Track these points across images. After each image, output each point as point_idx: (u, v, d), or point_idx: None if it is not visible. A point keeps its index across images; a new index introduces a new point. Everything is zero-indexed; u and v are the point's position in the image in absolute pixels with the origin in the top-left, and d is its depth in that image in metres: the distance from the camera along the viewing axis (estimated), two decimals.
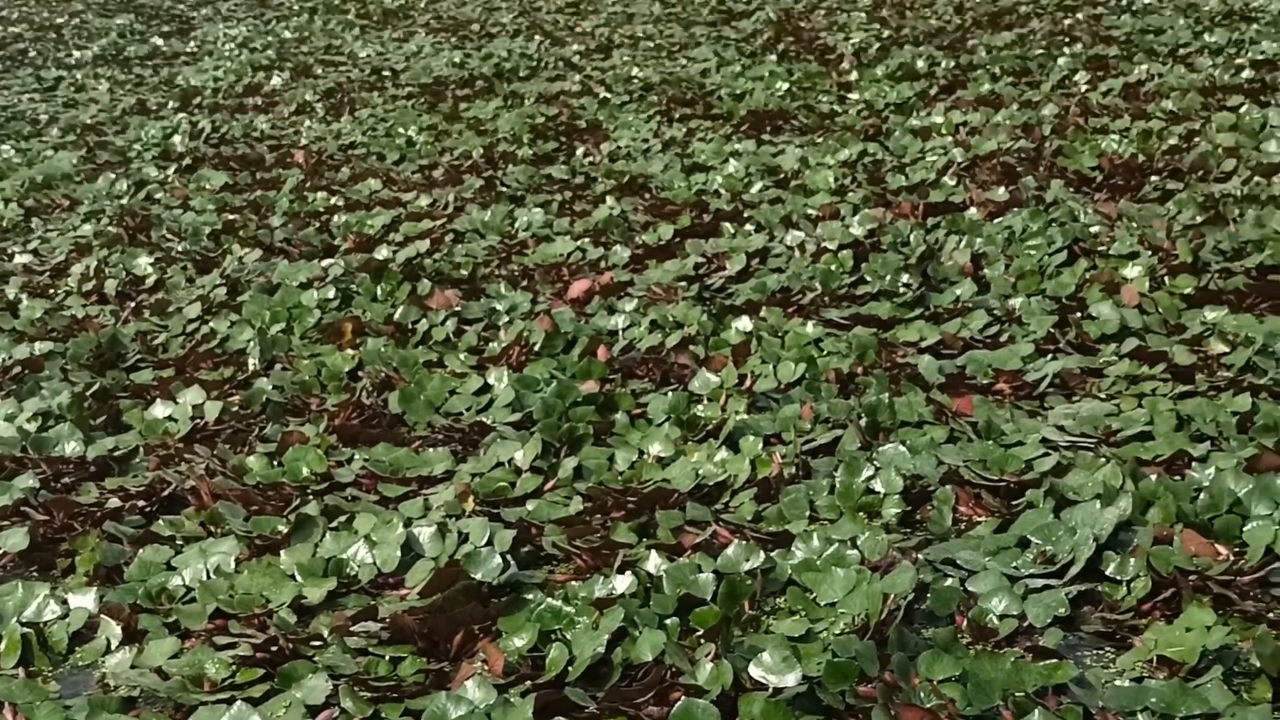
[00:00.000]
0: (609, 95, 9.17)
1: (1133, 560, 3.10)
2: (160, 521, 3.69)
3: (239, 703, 2.75)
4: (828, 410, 4.09)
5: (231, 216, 6.82)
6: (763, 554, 3.22)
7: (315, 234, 6.47)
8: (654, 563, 3.21)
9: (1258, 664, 2.74)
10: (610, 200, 6.61)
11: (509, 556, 3.32)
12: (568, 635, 2.97)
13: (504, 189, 7.14)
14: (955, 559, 3.22)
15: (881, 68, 9.17)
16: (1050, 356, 4.45)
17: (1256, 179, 5.95)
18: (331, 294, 5.38)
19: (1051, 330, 4.63)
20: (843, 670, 2.72)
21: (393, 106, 9.43)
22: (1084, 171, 6.42)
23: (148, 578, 3.40)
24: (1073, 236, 5.30)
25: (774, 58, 9.99)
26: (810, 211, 6.10)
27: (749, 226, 6.01)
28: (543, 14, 13.58)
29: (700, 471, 3.74)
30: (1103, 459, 3.60)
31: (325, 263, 5.84)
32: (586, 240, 6.00)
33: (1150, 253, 5.11)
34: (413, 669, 2.96)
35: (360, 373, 4.70)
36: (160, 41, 13.54)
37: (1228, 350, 4.27)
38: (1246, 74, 7.96)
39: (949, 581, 3.12)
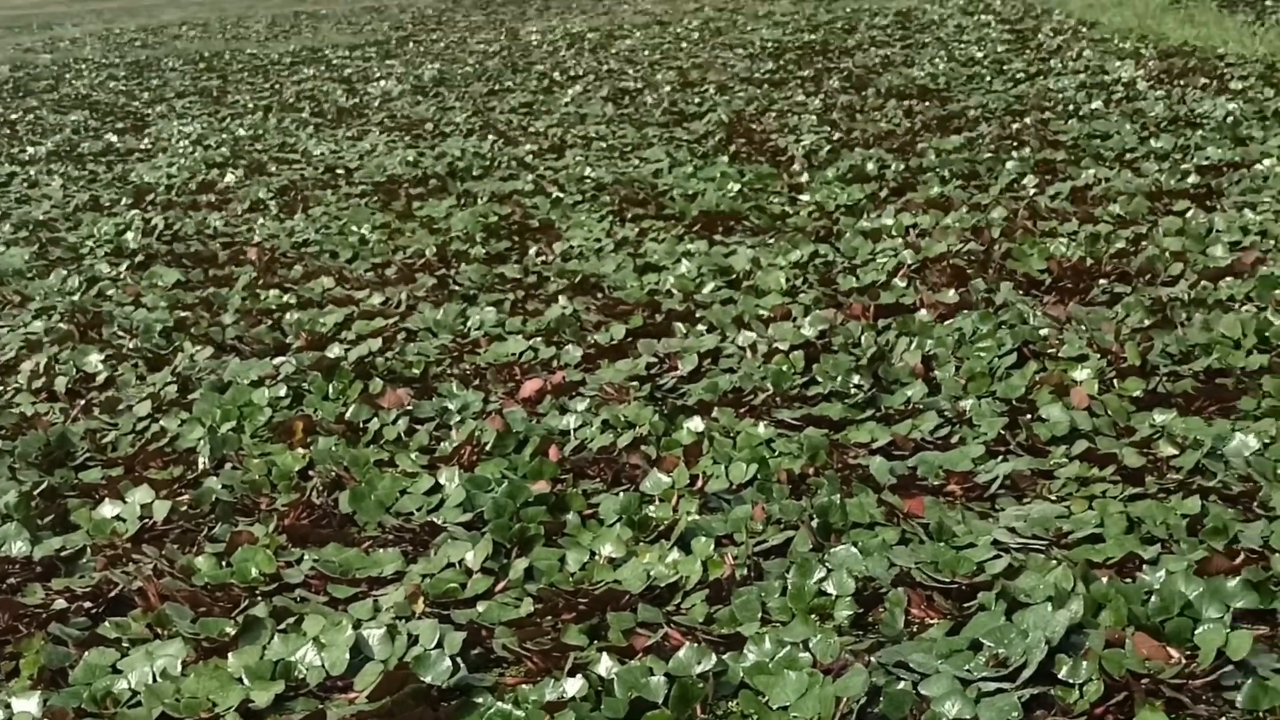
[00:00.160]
0: (562, 195, 9.23)
1: (1085, 663, 3.10)
2: (106, 623, 3.64)
3: None
4: (779, 511, 4.10)
5: (183, 314, 6.79)
6: (714, 657, 3.20)
7: (267, 332, 6.46)
8: (605, 665, 3.19)
9: None
10: (563, 299, 6.64)
11: (459, 659, 3.29)
12: None
13: (457, 288, 7.16)
14: (908, 662, 3.21)
15: (832, 170, 9.27)
16: (1001, 458, 4.48)
17: (1203, 283, 6.03)
18: (283, 392, 5.37)
19: (1002, 432, 4.66)
20: None
21: (346, 204, 9.46)
22: (1033, 274, 6.49)
23: (93, 681, 3.35)
24: (1022, 339, 5.36)
25: (726, 159, 10.09)
26: (762, 312, 6.14)
27: (701, 327, 6.04)
28: (496, 113, 13.68)
29: (652, 573, 3.73)
30: (1054, 561, 3.61)
31: (277, 360, 5.82)
32: (539, 339, 6.01)
33: (1099, 355, 5.16)
34: None
35: (311, 472, 4.68)
36: (114, 138, 13.56)
37: (1177, 453, 4.31)
38: (1192, 179, 8.10)
39: (901, 685, 3.11)
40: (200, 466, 4.84)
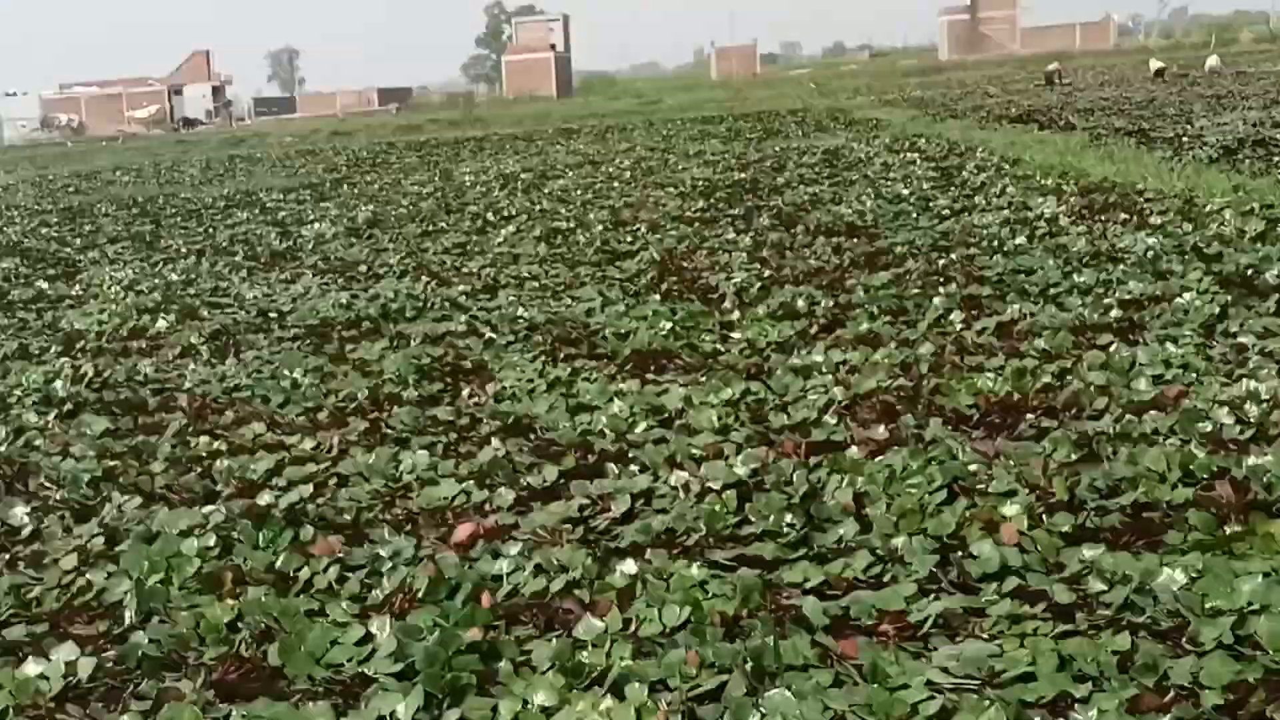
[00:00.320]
0: (495, 335, 9.26)
1: None
2: None
3: None
4: (713, 655, 4.07)
5: (112, 463, 6.72)
6: None
7: (197, 480, 6.40)
8: None
9: None
10: (495, 442, 6.63)
11: None
12: None
13: (389, 431, 7.13)
14: None
15: (763, 307, 9.37)
16: (933, 596, 4.48)
17: (1128, 417, 6.11)
18: (212, 542, 5.30)
19: (934, 570, 4.68)
20: None
21: (278, 348, 9.45)
22: (961, 409, 6.56)
23: None
24: (952, 475, 5.40)
25: (658, 297, 10.18)
26: (694, 451, 6.15)
27: (634, 467, 6.04)
28: (430, 254, 13.76)
29: None
30: (987, 701, 3.61)
31: (206, 509, 5.76)
32: (471, 483, 5.99)
33: (1028, 491, 5.21)
34: None
35: (240, 624, 4.61)
36: (45, 285, 13.51)
37: (1106, 589, 4.33)
38: (1115, 313, 8.24)
39: None
40: (126, 621, 4.76)
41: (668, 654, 4.11)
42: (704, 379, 7.70)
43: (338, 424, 7.36)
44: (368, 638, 4.37)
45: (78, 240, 18.00)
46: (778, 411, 6.80)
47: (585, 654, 4.15)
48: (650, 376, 7.91)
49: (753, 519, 5.26)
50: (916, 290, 9.60)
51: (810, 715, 3.63)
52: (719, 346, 8.47)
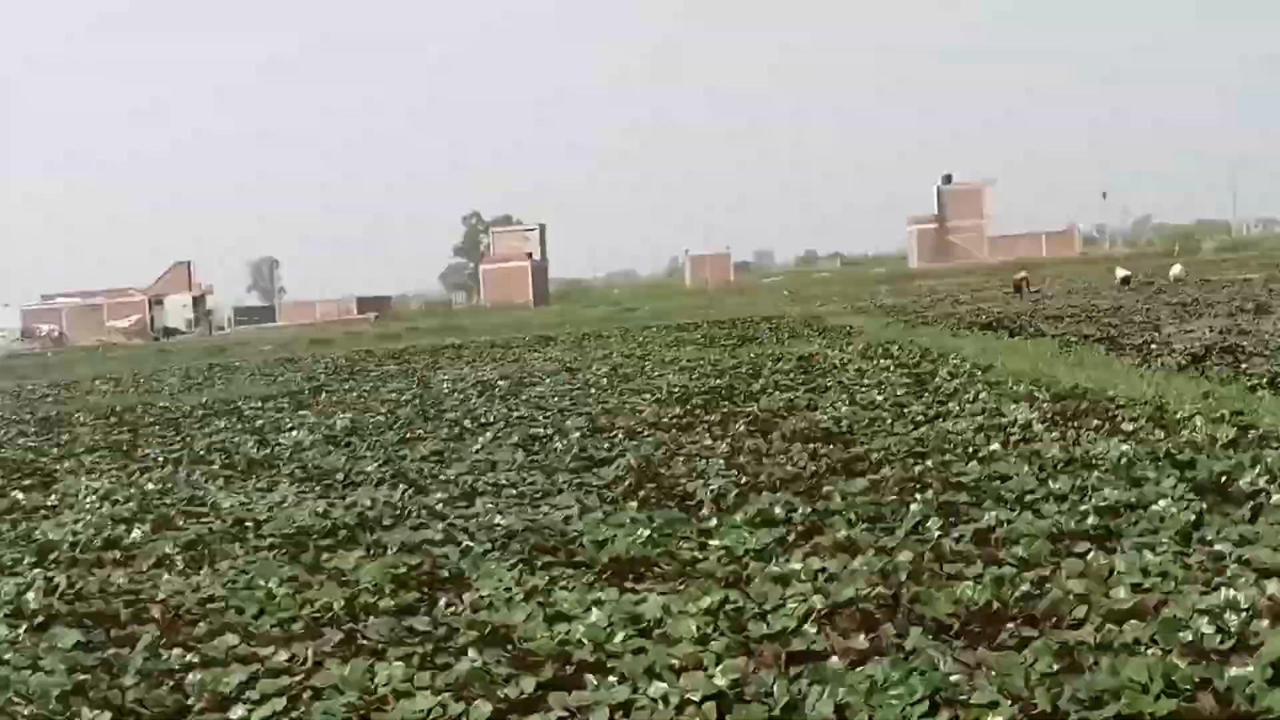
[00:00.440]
0: (472, 544, 9.22)
1: None
2: None
3: None
4: None
5: (82, 676, 6.62)
6: None
7: (169, 693, 6.30)
8: None
9: None
10: (472, 652, 6.56)
11: None
12: None
13: (365, 642, 7.06)
14: None
15: (740, 514, 9.37)
16: None
17: (1109, 626, 6.09)
18: None
19: None
20: None
21: (254, 558, 9.38)
22: (942, 618, 6.53)
23: None
24: (934, 686, 5.36)
25: (635, 504, 10.18)
26: (673, 661, 6.10)
27: (612, 678, 5.98)
28: (407, 462, 13.76)
29: None
30: None
31: None
32: (448, 695, 5.92)
33: (1010, 702, 5.17)
34: None
35: None
36: (20, 495, 13.43)
37: None
38: (1091, 520, 8.25)
39: None
40: None
41: None
42: (682, 587, 7.66)
43: (313, 635, 7.28)
44: None
45: (54, 450, 17.96)
46: (757, 620, 6.76)
47: None
48: (628, 585, 7.87)
49: None
50: (893, 497, 9.62)
51: None
52: (697, 554, 8.44)
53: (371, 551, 9.28)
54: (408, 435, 16.26)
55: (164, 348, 68.31)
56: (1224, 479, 9.09)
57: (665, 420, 15.45)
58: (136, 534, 10.60)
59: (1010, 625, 6.40)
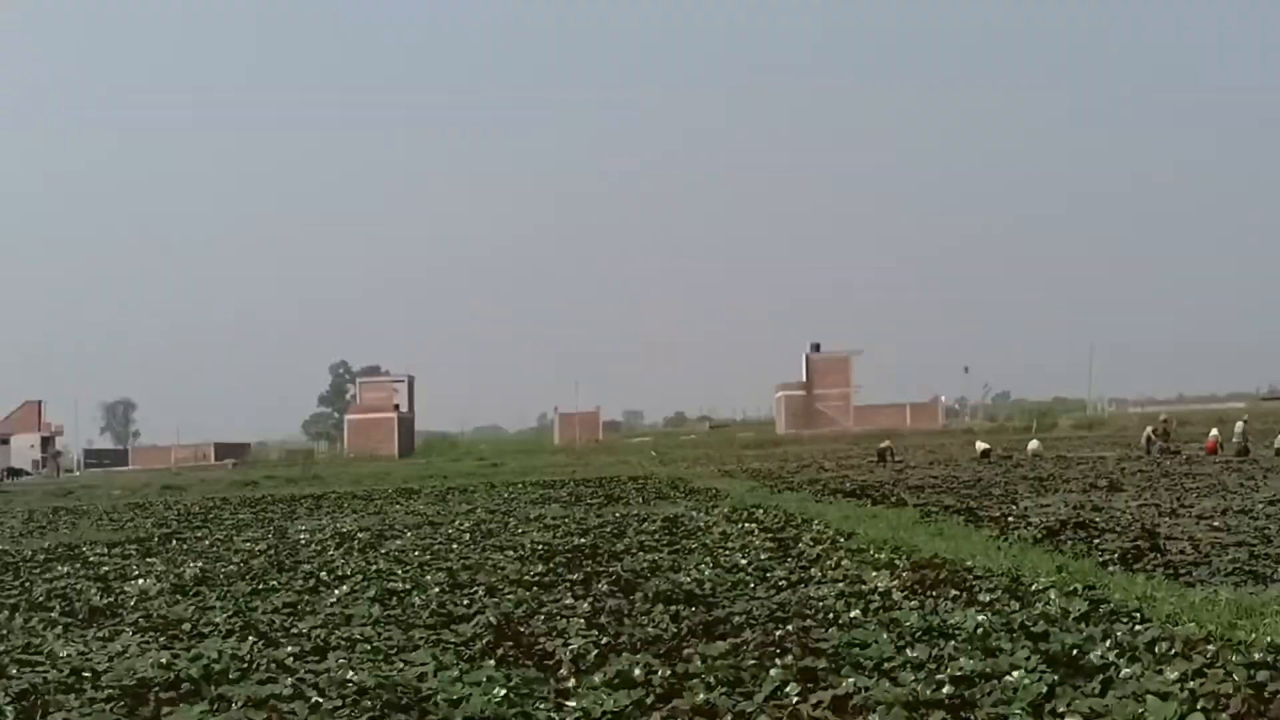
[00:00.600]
0: (321, 700, 8.95)
1: None
2: None
3: None
4: None
5: None
6: None
7: None
8: None
9: None
10: None
11: None
12: None
13: None
14: None
15: (599, 675, 9.23)
16: None
17: None
18: None
19: None
20: None
21: (89, 710, 9.00)
22: None
23: None
24: None
25: (493, 662, 9.98)
26: None
27: None
28: (259, 613, 13.39)
29: None
30: None
31: None
32: None
33: None
34: None
35: None
36: None
37: None
38: (947, 689, 8.25)
39: None
40: None
41: None
42: None
43: None
44: None
45: None
46: None
47: None
48: None
49: None
50: (753, 661, 9.55)
51: None
52: (553, 715, 8.28)
53: (215, 706, 8.96)
54: (260, 586, 15.86)
55: (7, 489, 66.35)
56: (1076, 651, 9.17)
57: (527, 578, 15.26)
58: None
59: None
